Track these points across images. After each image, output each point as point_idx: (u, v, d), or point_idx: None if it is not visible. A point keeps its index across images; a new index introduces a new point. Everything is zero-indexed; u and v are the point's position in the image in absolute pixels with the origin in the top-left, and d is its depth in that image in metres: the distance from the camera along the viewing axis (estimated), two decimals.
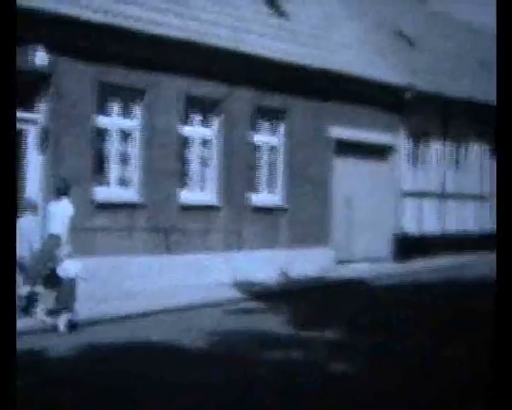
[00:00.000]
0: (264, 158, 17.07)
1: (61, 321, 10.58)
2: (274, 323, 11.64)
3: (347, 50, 19.66)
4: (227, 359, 9.14)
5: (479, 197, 23.72)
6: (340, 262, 18.50)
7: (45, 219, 11.56)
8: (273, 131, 17.29)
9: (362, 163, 19.52)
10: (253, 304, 13.57)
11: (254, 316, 12.44)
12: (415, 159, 21.36)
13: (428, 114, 21.65)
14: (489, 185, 24.14)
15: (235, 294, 14.25)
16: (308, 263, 17.33)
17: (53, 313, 10.74)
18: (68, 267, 10.73)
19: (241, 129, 16.21)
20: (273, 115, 17.16)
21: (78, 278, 10.82)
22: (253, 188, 16.63)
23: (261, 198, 16.82)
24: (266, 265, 16.40)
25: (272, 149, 17.25)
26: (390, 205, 20.22)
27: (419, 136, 21.46)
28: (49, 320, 10.71)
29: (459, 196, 22.86)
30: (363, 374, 8.35)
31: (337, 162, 18.66)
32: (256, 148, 16.78)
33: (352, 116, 18.91)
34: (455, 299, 14.63)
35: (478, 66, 26.54)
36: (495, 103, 21.39)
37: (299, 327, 11.28)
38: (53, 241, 10.89)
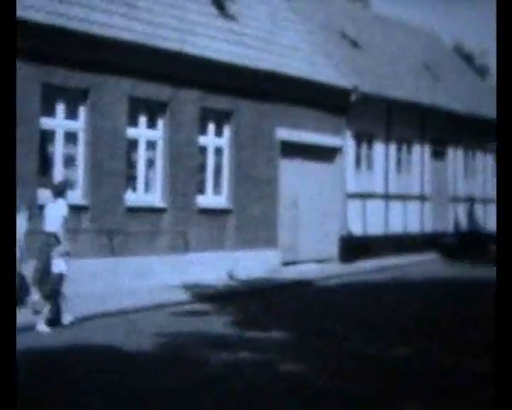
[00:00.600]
0: (211, 160, 17.06)
1: (41, 318, 10.94)
2: (221, 324, 11.65)
3: (293, 53, 19.77)
4: (173, 361, 9.12)
5: (420, 198, 24.11)
6: (287, 263, 18.61)
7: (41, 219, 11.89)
8: (219, 133, 17.29)
9: (308, 165, 19.67)
10: (199, 306, 13.55)
11: (201, 318, 12.42)
12: (360, 160, 21.60)
13: (373, 116, 21.93)
14: (430, 186, 24.60)
15: (181, 296, 14.20)
16: (255, 264, 17.40)
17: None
18: (59, 263, 11.19)
19: (187, 131, 16.17)
20: (219, 117, 17.16)
21: (65, 274, 11.32)
22: (200, 189, 16.61)
23: (207, 200, 16.81)
24: (213, 267, 16.41)
25: (218, 150, 17.25)
26: (336, 206, 20.42)
27: (364, 137, 21.72)
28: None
29: (402, 197, 23.20)
30: (310, 374, 8.42)
31: (283, 164, 18.76)
32: (202, 149, 16.76)
33: (299, 118, 19.04)
34: (399, 299, 14.87)
35: (419, 67, 27.01)
36: (436, 104, 21.67)
37: (247, 328, 11.31)
38: (50, 239, 11.32)
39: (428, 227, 24.43)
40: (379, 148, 22.31)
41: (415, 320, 12.32)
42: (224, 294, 14.93)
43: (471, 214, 26.65)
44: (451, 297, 15.13)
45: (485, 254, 25.06)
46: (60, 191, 11.67)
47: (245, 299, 14.53)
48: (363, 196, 21.49)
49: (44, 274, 11.34)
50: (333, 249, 20.34)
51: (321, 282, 17.35)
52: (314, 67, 20.04)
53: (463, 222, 26.30)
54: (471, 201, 26.67)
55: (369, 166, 22.00)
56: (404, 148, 23.62)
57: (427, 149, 24.61)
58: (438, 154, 25.23)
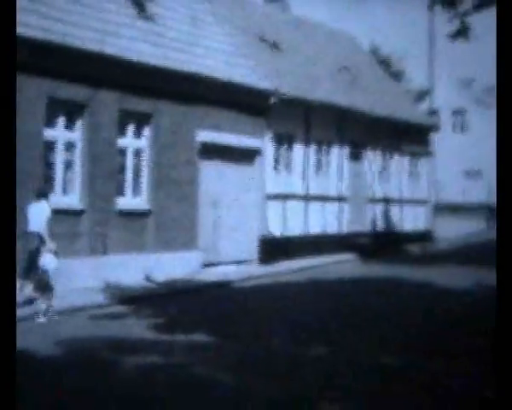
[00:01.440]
0: (130, 161, 16.95)
1: (40, 310, 12.09)
2: (139, 327, 11.62)
3: (213, 55, 19.83)
4: (88, 364, 9.06)
5: (339, 199, 24.54)
6: (207, 265, 18.66)
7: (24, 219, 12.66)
8: (139, 135, 17.20)
9: (228, 166, 19.77)
10: (119, 308, 13.47)
11: (119, 321, 12.36)
12: (279, 162, 21.84)
13: (292, 118, 22.20)
14: (348, 187, 25.06)
15: (100, 299, 14.09)
16: (175, 266, 17.38)
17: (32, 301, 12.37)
18: (48, 261, 12.32)
19: (106, 132, 16.03)
20: (139, 118, 17.07)
21: (55, 271, 12.45)
22: (119, 191, 16.49)
23: (127, 202, 16.70)
24: (133, 269, 16.32)
25: (138, 152, 17.16)
26: (256, 207, 20.59)
27: (283, 139, 21.96)
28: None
29: (321, 198, 23.56)
30: (228, 376, 8.52)
31: (204, 165, 18.81)
32: (121, 151, 16.65)
33: (219, 120, 19.12)
34: (317, 298, 15.13)
35: (338, 70, 27.46)
36: (354, 107, 22.08)
37: (164, 331, 11.32)
38: (35, 238, 12.41)
39: (346, 228, 24.89)
40: (298, 149, 22.60)
41: (332, 319, 12.57)
42: (142, 296, 14.88)
43: (387, 215, 27.29)
44: (367, 295, 15.48)
45: (400, 253, 25.74)
46: (42, 194, 12.88)
47: (164, 301, 14.52)
48: (283, 197, 21.73)
49: (30, 270, 12.42)
50: (253, 250, 20.51)
51: (240, 283, 17.49)
52: (234, 70, 20.15)
53: (380, 222, 26.92)
54: (387, 201, 27.30)
55: (289, 167, 22.26)
56: (323, 149, 23.98)
57: (346, 151, 25.06)
58: (355, 155, 25.74)
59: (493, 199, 32.73)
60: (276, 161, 21.70)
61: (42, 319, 12.07)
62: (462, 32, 15.07)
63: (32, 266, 12.50)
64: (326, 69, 26.56)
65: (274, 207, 21.35)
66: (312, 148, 23.29)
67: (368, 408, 7.40)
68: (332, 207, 24.17)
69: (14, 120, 5.73)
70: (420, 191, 29.94)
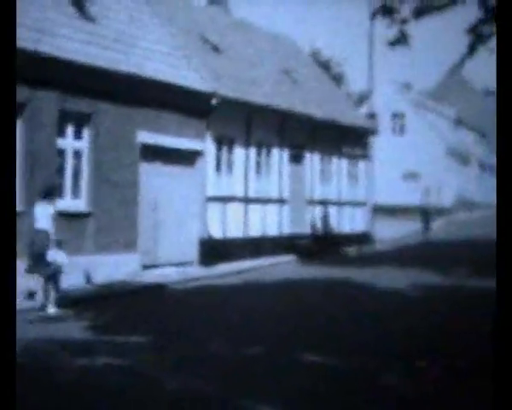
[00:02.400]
0: (69, 163, 16.79)
1: (51, 302, 13.39)
2: (78, 329, 11.57)
3: (155, 56, 19.78)
4: (30, 367, 8.99)
5: (279, 201, 24.73)
6: (147, 267, 18.61)
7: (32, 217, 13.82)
8: (78, 136, 17.05)
9: (169, 168, 19.75)
10: (58, 311, 13.36)
11: (60, 323, 12.28)
12: (220, 164, 21.90)
13: (233, 120, 22.29)
14: (288, 189, 25.28)
15: (41, 301, 13.92)
16: (114, 268, 17.29)
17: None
18: (56, 255, 13.56)
19: (44, 133, 15.84)
20: (79, 119, 16.92)
21: (63, 264, 13.75)
22: (58, 193, 16.30)
23: (66, 203, 16.53)
24: (72, 271, 16.14)
25: (77, 153, 17.01)
26: (196, 209, 20.61)
27: (224, 141, 22.03)
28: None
29: (261, 201, 23.71)
30: (167, 377, 8.56)
31: (144, 167, 18.75)
32: (60, 152, 16.48)
33: (160, 121, 19.09)
34: (255, 300, 15.26)
35: (278, 73, 27.69)
36: (294, 109, 22.33)
37: (104, 333, 11.29)
38: (42, 235, 13.49)
39: (287, 230, 25.10)
40: (239, 151, 22.71)
41: (270, 320, 12.71)
42: (82, 298, 14.78)
43: (326, 217, 27.63)
44: (306, 296, 15.67)
45: (338, 254, 26.09)
46: (48, 194, 13.96)
47: (103, 303, 14.44)
48: (224, 200, 21.81)
49: (38, 265, 13.52)
50: (193, 253, 20.53)
51: (180, 285, 17.50)
52: (175, 71, 20.14)
53: (319, 224, 27.22)
54: (326, 203, 27.63)
55: (230, 169, 22.35)
56: (264, 151, 24.14)
57: (286, 153, 25.28)
58: (296, 158, 25.98)
59: (429, 201, 33.42)
60: (217, 163, 21.76)
61: (52, 310, 13.31)
62: (401, 40, 15.40)
63: (41, 261, 13.53)
64: (267, 72, 26.75)
65: (214, 210, 21.40)
66: (253, 150, 23.42)
67: (303, 408, 7.54)
68: (272, 209, 24.34)
69: (14, 123, 5.74)
70: (359, 193, 30.40)
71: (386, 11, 15.40)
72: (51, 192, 14.12)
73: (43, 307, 13.48)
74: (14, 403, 5.12)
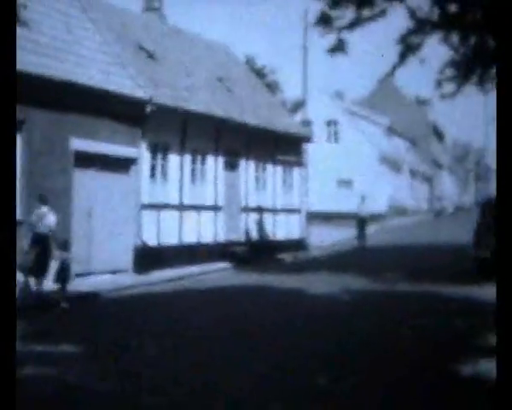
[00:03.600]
0: None
1: (63, 298, 14.91)
2: None
3: (89, 63, 19.68)
4: None
5: (214, 208, 24.83)
6: (80, 275, 18.44)
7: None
8: None
9: (103, 175, 19.65)
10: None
11: None
12: (155, 171, 21.88)
13: (168, 128, 22.31)
14: (223, 196, 25.41)
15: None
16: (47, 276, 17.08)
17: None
18: (63, 253, 15.16)
19: None
20: None
21: (71, 260, 15.61)
22: None
23: None
24: None
25: None
26: (131, 217, 20.55)
27: (159, 149, 22.02)
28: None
29: (196, 208, 23.78)
30: (99, 385, 8.58)
31: (78, 174, 18.62)
32: None
33: (94, 128, 18.99)
34: (190, 306, 15.33)
35: (214, 80, 27.82)
36: (230, 117, 22.36)
37: (36, 342, 11.19)
38: (46, 237, 15.24)
39: (221, 237, 25.22)
40: (174, 159, 22.72)
41: (203, 326, 12.80)
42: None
43: (261, 224, 27.85)
44: (240, 303, 15.81)
45: (273, 261, 26.33)
46: (45, 200, 15.71)
47: (35, 312, 14.29)
48: (158, 207, 21.79)
49: (42, 264, 15.04)
50: (127, 260, 20.46)
51: (114, 293, 17.42)
52: (110, 78, 20.07)
53: (254, 231, 27.42)
54: (261, 210, 27.85)
55: (164, 177, 22.35)
56: (199, 159, 24.21)
57: (221, 161, 25.40)
58: (231, 165, 26.14)
59: (365, 208, 33.92)
60: (152, 170, 21.74)
61: (65, 305, 14.66)
62: (339, 47, 15.73)
63: (46, 262, 15.12)
64: (203, 79, 26.86)
65: (149, 217, 21.37)
66: (188, 157, 23.47)
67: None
68: (207, 216, 24.42)
69: (14, 124, 5.77)
70: (293, 200, 30.72)
71: (325, 20, 15.69)
72: (46, 199, 15.78)
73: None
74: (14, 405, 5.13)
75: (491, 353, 10.27)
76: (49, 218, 15.50)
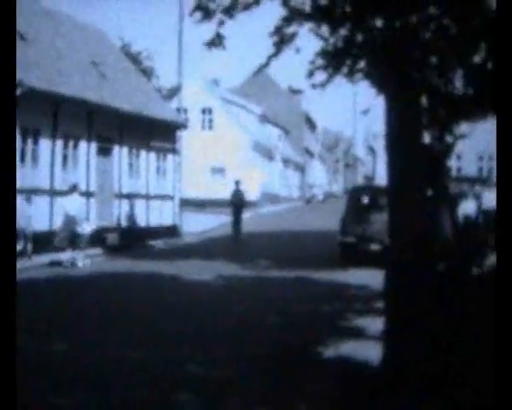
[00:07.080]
0: None
1: (80, 259, 20.05)
2: None
3: None
4: None
5: (86, 194, 24.58)
6: None
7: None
8: None
9: None
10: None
11: None
12: (25, 156, 21.43)
13: (39, 111, 21.89)
14: (96, 182, 25.18)
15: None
16: None
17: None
18: (84, 227, 20.71)
19: None
20: None
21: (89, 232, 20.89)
22: None
23: None
24: None
25: None
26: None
27: (29, 133, 21.58)
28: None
29: (67, 193, 23.41)
30: None
31: None
32: None
33: None
34: (65, 296, 15.24)
35: (87, 65, 27.45)
36: (103, 102, 22.26)
37: None
38: (73, 218, 20.26)
39: (94, 223, 24.96)
40: (45, 144, 22.34)
41: (71, 315, 12.80)
42: None
43: (133, 210, 27.79)
44: (110, 290, 15.84)
45: (146, 247, 26.38)
46: (73, 189, 20.71)
47: None
48: (28, 192, 21.35)
49: (71, 237, 20.11)
50: None
51: None
52: None
53: (127, 218, 27.34)
54: (134, 197, 27.79)
55: (35, 161, 21.93)
56: (71, 144, 23.90)
57: (94, 146, 25.17)
58: (104, 151, 25.94)
59: (240, 194, 34.08)
60: (22, 155, 21.28)
61: (80, 264, 19.87)
62: (216, 41, 15.99)
63: (73, 234, 20.09)
64: (76, 63, 26.46)
65: (19, 202, 20.86)
66: (60, 142, 23.13)
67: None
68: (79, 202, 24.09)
69: (14, 121, 5.60)
70: (167, 187, 30.83)
71: (201, 10, 15.84)
72: (75, 188, 20.75)
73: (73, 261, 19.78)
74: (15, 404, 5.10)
75: (352, 336, 10.93)
76: (78, 202, 20.57)
